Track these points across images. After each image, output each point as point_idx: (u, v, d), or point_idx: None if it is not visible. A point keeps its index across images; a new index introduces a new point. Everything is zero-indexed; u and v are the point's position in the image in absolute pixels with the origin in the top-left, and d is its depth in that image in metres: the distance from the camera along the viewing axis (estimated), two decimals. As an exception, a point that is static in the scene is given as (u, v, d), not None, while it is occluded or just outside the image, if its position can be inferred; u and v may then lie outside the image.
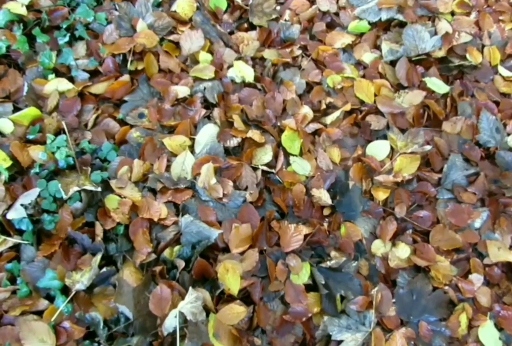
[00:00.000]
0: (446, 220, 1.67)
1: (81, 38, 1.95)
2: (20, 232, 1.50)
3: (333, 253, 1.56)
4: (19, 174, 1.63)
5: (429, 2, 2.16)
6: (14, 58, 1.89)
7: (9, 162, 1.59)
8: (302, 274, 1.49)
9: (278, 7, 2.14)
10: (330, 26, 2.12)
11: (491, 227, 1.70)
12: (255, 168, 1.68)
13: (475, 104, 1.90)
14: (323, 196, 1.62)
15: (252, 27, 2.09)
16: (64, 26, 1.94)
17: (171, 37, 1.98)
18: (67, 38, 1.92)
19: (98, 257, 1.45)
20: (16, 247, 1.49)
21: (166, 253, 1.51)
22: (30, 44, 1.90)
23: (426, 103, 1.89)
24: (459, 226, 1.66)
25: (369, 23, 2.10)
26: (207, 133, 1.70)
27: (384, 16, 2.10)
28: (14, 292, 1.43)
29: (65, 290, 1.42)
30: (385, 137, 1.81)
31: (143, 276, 1.45)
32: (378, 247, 1.61)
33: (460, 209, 1.68)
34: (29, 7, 1.95)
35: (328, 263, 1.52)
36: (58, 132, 1.72)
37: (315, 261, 1.55)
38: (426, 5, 2.14)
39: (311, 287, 1.51)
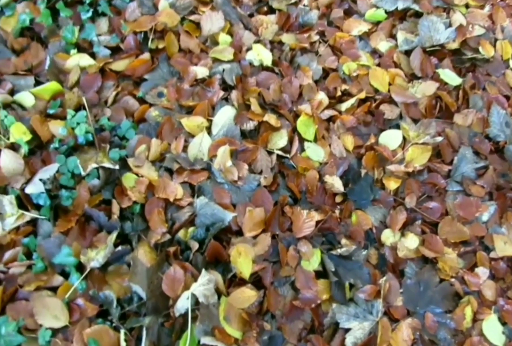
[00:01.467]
0: (455, 212, 1.54)
1: (103, 14, 1.78)
2: (37, 207, 1.36)
3: (343, 241, 1.43)
4: (38, 148, 1.48)
5: (445, -7, 1.97)
6: (37, 31, 1.71)
7: (29, 136, 1.44)
8: (312, 260, 1.36)
9: (298, -8, 1.95)
10: (348, 13, 1.94)
11: (498, 221, 1.57)
12: (270, 153, 1.53)
13: (486, 98, 1.75)
14: (335, 182, 1.48)
15: (271, 10, 1.91)
16: (87, 1, 1.76)
17: (192, 17, 1.80)
18: (90, 14, 1.75)
19: (114, 235, 1.31)
20: (33, 222, 1.35)
21: (181, 234, 1.37)
22: (53, 18, 1.72)
23: (439, 94, 1.73)
24: (467, 219, 1.52)
25: (386, 12, 1.92)
26: (225, 116, 1.55)
27: (401, 5, 1.92)
28: (29, 267, 1.29)
29: (79, 267, 1.29)
30: (397, 126, 1.66)
31: (157, 256, 1.32)
32: (388, 237, 1.48)
33: (469, 201, 1.54)
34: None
35: (339, 251, 1.39)
36: (78, 107, 1.57)
37: (325, 247, 1.42)
38: (442, -4, 1.96)
39: (321, 273, 1.39)
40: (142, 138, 1.50)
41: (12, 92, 1.56)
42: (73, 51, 1.67)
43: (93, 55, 1.68)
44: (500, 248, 1.51)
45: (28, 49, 1.67)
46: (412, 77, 1.78)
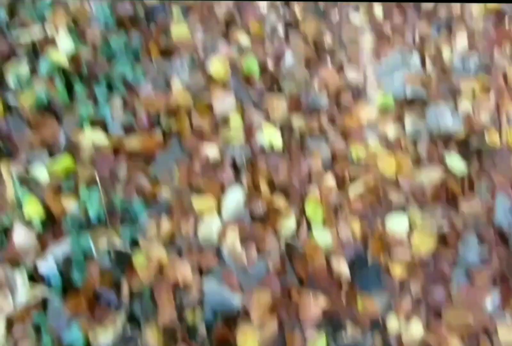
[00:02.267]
0: (459, 300, 1.71)
1: (118, 91, 2.03)
2: (48, 283, 1.54)
3: (349, 327, 1.60)
4: (51, 222, 1.68)
5: (452, 81, 2.26)
6: (53, 107, 1.96)
7: (42, 212, 1.65)
8: (318, 346, 1.54)
9: (308, 75, 2.23)
10: (357, 97, 2.20)
11: (502, 309, 1.73)
12: (278, 236, 1.73)
13: (492, 186, 1.97)
14: (342, 268, 1.68)
15: (282, 92, 2.18)
16: (103, 78, 2.03)
17: (205, 97, 2.05)
18: (105, 91, 2.00)
19: (123, 316, 1.49)
20: (43, 298, 1.53)
21: (189, 317, 1.54)
22: (69, 94, 1.98)
23: (445, 181, 1.95)
24: (471, 306, 1.69)
25: (395, 98, 2.19)
26: (235, 197, 1.76)
27: (409, 92, 2.19)
28: (38, 344, 1.46)
29: (88, 346, 1.46)
30: (404, 212, 1.87)
31: (165, 339, 1.49)
32: (393, 323, 1.64)
33: (473, 289, 1.73)
34: (69, 56, 2.04)
35: (344, 337, 1.56)
36: (91, 184, 1.78)
37: (331, 333, 1.58)
38: (449, 84, 2.24)
39: (326, 360, 1.55)
40: (152, 218, 1.71)
41: (26, 166, 1.79)
42: (87, 128, 1.92)
43: (106, 132, 1.92)
44: (503, 336, 1.66)
45: (43, 124, 1.91)
46: (419, 163, 2.02)
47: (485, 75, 2.34)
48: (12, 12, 2.15)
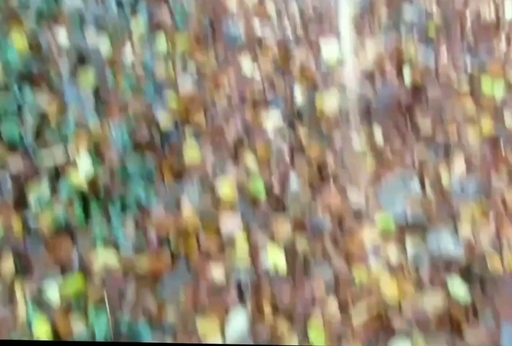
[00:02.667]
0: None
1: (131, 212, 2.14)
2: None
3: None
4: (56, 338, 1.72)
5: (451, 205, 2.35)
6: (68, 227, 2.06)
7: (50, 336, 1.69)
8: None
9: (312, 198, 2.35)
10: (359, 221, 2.30)
11: None
12: (281, 362, 1.75)
13: (496, 314, 1.99)
14: None
15: (287, 215, 2.28)
16: (118, 199, 2.15)
17: (213, 219, 2.15)
18: (119, 212, 2.12)
19: None
20: None
21: None
22: (85, 214, 2.09)
23: (448, 307, 1.97)
24: None
25: (395, 221, 2.27)
26: (238, 321, 1.80)
27: (410, 217, 2.28)
28: None
29: None
30: (407, 339, 1.88)
31: None
32: None
33: None
34: (88, 179, 2.18)
35: None
36: (99, 304, 1.83)
37: None
38: (448, 209, 2.34)
39: None
40: (157, 341, 1.74)
41: (39, 285, 1.85)
42: (100, 248, 2.00)
43: (118, 252, 2.00)
44: None
45: (59, 244, 1.99)
46: (421, 288, 2.04)
47: (484, 199, 2.44)
48: (38, 133, 2.32)
